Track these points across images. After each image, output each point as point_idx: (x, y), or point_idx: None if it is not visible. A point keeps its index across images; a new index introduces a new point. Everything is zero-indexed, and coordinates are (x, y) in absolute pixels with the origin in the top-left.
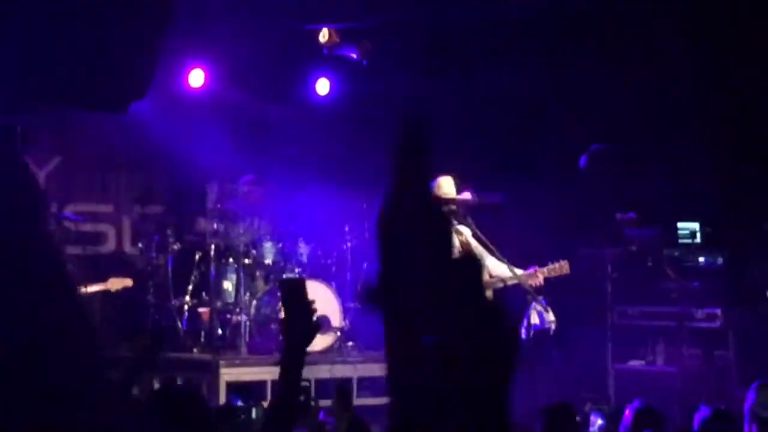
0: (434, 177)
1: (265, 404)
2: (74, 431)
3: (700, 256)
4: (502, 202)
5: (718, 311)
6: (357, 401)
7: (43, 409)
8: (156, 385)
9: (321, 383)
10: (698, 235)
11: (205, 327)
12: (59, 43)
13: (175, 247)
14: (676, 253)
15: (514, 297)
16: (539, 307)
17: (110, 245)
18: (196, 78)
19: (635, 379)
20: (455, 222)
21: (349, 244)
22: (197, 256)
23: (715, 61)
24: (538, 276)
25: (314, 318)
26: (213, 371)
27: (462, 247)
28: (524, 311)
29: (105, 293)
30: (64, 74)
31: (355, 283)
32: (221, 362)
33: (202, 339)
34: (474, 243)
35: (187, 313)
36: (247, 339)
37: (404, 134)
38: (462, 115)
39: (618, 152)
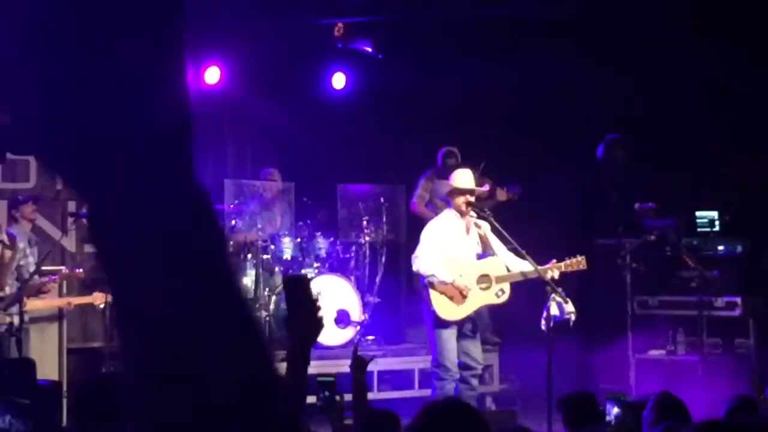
0: (453, 169)
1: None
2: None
3: (719, 244)
4: (521, 194)
5: (738, 299)
6: (378, 395)
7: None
8: None
9: (341, 377)
10: (717, 223)
11: None
12: (82, 53)
13: None
14: (695, 242)
15: (534, 288)
16: (559, 298)
17: None
18: (212, 75)
19: (656, 368)
20: (474, 215)
21: (367, 239)
22: None
23: (735, 49)
24: (554, 270)
25: (318, 314)
26: None
27: (481, 240)
28: (544, 302)
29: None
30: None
31: (374, 277)
32: None
33: None
34: (492, 237)
35: None
36: (267, 334)
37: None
38: (479, 106)
39: (635, 141)
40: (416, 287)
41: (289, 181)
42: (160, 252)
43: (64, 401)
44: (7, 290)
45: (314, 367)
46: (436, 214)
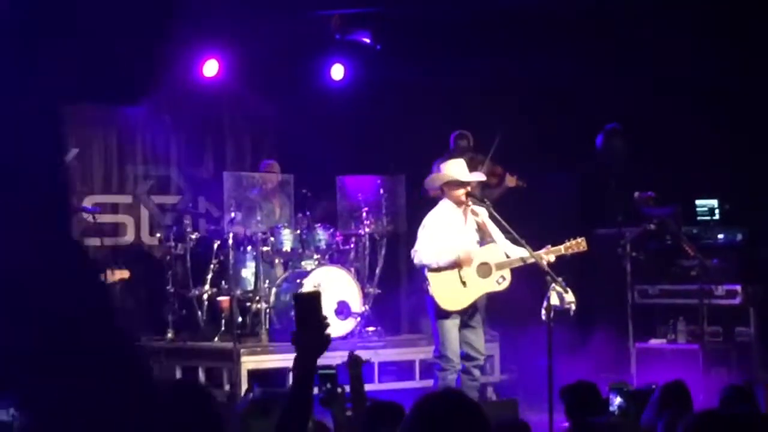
0: (444, 160)
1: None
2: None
3: (719, 233)
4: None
5: (738, 288)
6: (379, 386)
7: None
8: (179, 373)
9: (343, 368)
10: (717, 212)
11: (225, 315)
12: (78, 44)
13: (193, 236)
14: (695, 231)
15: (535, 278)
16: (559, 288)
17: (129, 236)
18: (211, 68)
19: (656, 357)
20: (470, 203)
21: (367, 230)
22: (215, 245)
23: (733, 40)
24: (552, 255)
25: (326, 331)
26: (234, 359)
27: (479, 228)
28: (544, 292)
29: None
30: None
31: (374, 268)
32: (242, 350)
33: (223, 328)
34: (490, 223)
35: (206, 303)
36: (268, 326)
37: None
38: (478, 98)
39: (634, 130)
40: (416, 279)
41: (289, 172)
42: None
43: None
44: None
45: None
46: None
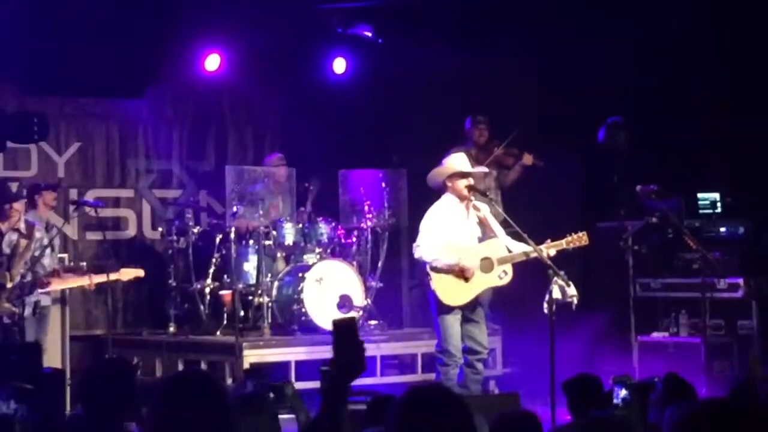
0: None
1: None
2: None
3: (721, 226)
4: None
5: (740, 281)
6: (381, 379)
7: None
8: (181, 367)
9: None
10: (719, 205)
11: (227, 309)
12: (81, 39)
13: (195, 230)
14: (697, 224)
15: (537, 271)
16: (561, 282)
17: (131, 230)
18: (213, 62)
19: (658, 350)
20: (472, 197)
21: (369, 224)
22: (218, 239)
23: (737, 29)
24: (554, 249)
25: (363, 357)
26: (236, 353)
27: (481, 223)
28: (546, 286)
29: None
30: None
31: (376, 262)
32: (244, 344)
33: (225, 321)
34: (491, 218)
35: (209, 296)
36: (270, 320)
37: None
38: (479, 90)
39: (637, 124)
40: (418, 273)
41: (290, 166)
42: None
43: (68, 389)
44: (17, 280)
45: (315, 352)
46: None
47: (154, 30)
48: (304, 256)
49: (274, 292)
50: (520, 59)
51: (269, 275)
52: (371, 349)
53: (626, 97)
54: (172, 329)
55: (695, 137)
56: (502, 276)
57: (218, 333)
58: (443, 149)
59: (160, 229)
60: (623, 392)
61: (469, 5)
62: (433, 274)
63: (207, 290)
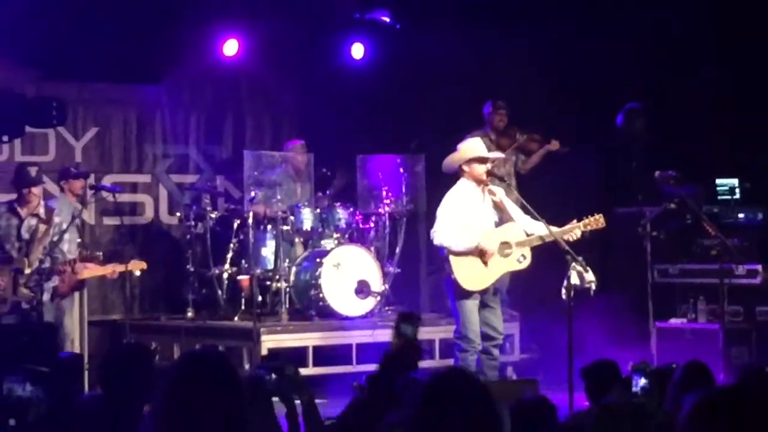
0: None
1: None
2: None
3: (740, 212)
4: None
5: (759, 267)
6: None
7: None
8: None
9: (362, 347)
10: (737, 191)
11: (245, 295)
12: (98, 24)
13: (213, 215)
14: (716, 210)
15: (555, 257)
16: (579, 267)
17: (147, 215)
18: (231, 47)
19: (676, 337)
20: (488, 181)
21: (387, 209)
22: (235, 224)
23: (756, 15)
24: (574, 231)
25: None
26: (254, 338)
27: (497, 207)
28: (564, 272)
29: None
30: (106, 52)
31: (394, 247)
32: (262, 329)
33: (243, 307)
34: (508, 201)
35: (226, 282)
36: (287, 305)
37: None
38: (498, 75)
39: (655, 109)
40: (436, 259)
41: (309, 152)
42: None
43: (86, 373)
44: (35, 265)
45: (333, 338)
46: None
47: (172, 15)
48: (322, 242)
49: (292, 277)
50: (537, 44)
51: (287, 260)
52: (389, 335)
53: (645, 82)
54: (190, 314)
55: (714, 123)
56: (520, 260)
57: (236, 318)
58: (461, 135)
59: (177, 214)
60: (642, 381)
61: None
62: (452, 259)
63: (225, 275)
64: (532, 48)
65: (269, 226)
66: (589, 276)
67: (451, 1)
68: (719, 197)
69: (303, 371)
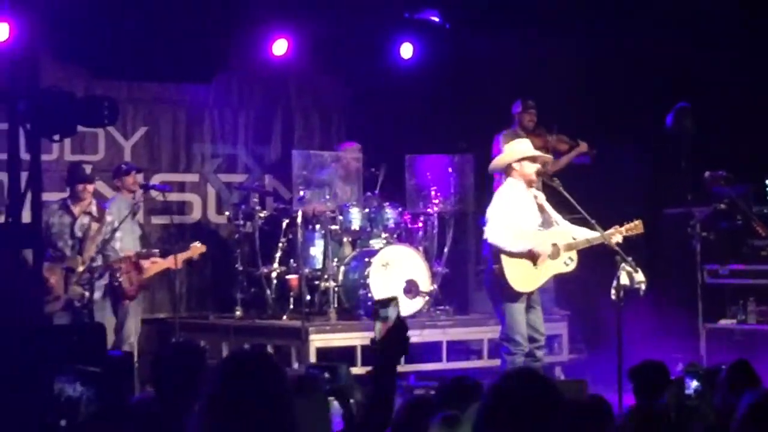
0: (510, 135)
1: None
2: None
3: None
4: (591, 163)
5: None
6: (447, 365)
7: None
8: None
9: (411, 347)
10: None
11: (293, 294)
12: (149, 24)
13: (261, 215)
14: (766, 210)
15: (604, 258)
16: (629, 268)
17: (195, 214)
18: (280, 47)
19: (726, 338)
20: (535, 182)
21: (435, 208)
22: (284, 224)
23: None
24: (617, 235)
25: (406, 335)
26: (302, 338)
27: (539, 209)
28: (614, 272)
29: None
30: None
31: (442, 247)
32: (310, 328)
33: (291, 306)
34: (548, 206)
35: (275, 281)
36: (336, 305)
37: None
38: (548, 75)
39: (705, 109)
40: (483, 259)
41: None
42: None
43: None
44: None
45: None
46: None
47: (222, 15)
48: (371, 241)
49: (341, 276)
50: (587, 43)
51: (335, 260)
52: (437, 335)
53: (695, 82)
54: (238, 313)
55: (766, 122)
56: (567, 263)
57: (284, 317)
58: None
59: (226, 213)
60: (695, 383)
61: None
62: (504, 259)
63: (273, 275)
64: (579, 48)
65: (318, 226)
66: (639, 276)
67: (500, 2)
68: None
69: (351, 370)
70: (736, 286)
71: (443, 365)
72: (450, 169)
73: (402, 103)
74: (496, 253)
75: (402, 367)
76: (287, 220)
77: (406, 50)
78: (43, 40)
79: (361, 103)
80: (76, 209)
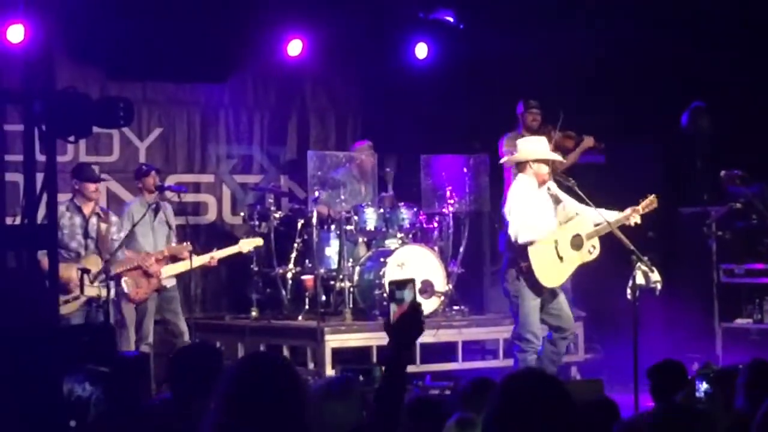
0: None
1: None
2: None
3: None
4: (604, 162)
5: None
6: (462, 365)
7: None
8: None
9: (426, 347)
10: None
11: (309, 294)
12: (164, 25)
13: (277, 215)
14: None
15: (621, 257)
16: (645, 267)
17: (210, 215)
18: (295, 47)
19: (742, 337)
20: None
21: (451, 209)
22: (299, 224)
23: None
24: (633, 215)
25: (421, 318)
26: (318, 338)
27: (553, 200)
28: (630, 271)
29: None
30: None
31: (458, 247)
32: (326, 329)
33: (307, 306)
34: (564, 195)
35: (290, 281)
36: (351, 305)
37: None
38: (561, 75)
39: (720, 108)
40: (499, 258)
41: (373, 152)
42: None
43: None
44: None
45: None
46: None
47: (236, 15)
48: (386, 241)
49: (356, 277)
50: (603, 43)
51: (351, 260)
52: (453, 335)
53: (710, 81)
54: (254, 314)
55: None
56: (591, 251)
57: (300, 318)
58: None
59: (241, 214)
60: (705, 385)
61: None
62: (532, 255)
63: (289, 275)
64: (595, 48)
65: (333, 226)
66: (655, 276)
67: (515, 2)
68: None
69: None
70: (752, 286)
71: (459, 365)
72: (465, 169)
73: (417, 103)
74: (523, 249)
75: (417, 368)
76: (302, 221)
77: (421, 50)
78: (58, 41)
79: (376, 103)
80: (86, 209)
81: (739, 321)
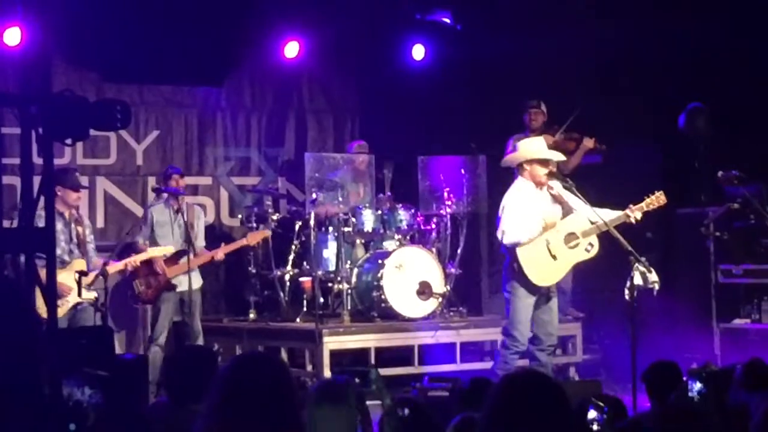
0: (522, 135)
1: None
2: None
3: None
4: (602, 162)
5: None
6: (460, 366)
7: None
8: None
9: (425, 349)
10: None
11: (307, 296)
12: (160, 27)
13: (274, 217)
14: None
15: (618, 257)
16: (642, 268)
17: (209, 218)
18: (292, 49)
19: (740, 337)
20: (548, 182)
21: (448, 210)
22: (297, 226)
23: None
24: (637, 212)
25: None
26: (316, 340)
27: (556, 200)
28: (627, 272)
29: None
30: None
31: (456, 249)
32: (324, 331)
33: (305, 308)
34: (566, 193)
35: (288, 283)
36: (349, 307)
37: None
38: (558, 76)
39: (717, 108)
40: (497, 260)
41: (369, 153)
42: None
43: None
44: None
45: (395, 339)
46: None
47: (233, 18)
48: (384, 243)
49: (354, 278)
50: (598, 44)
51: (349, 262)
52: (451, 336)
53: (707, 82)
54: (252, 316)
55: None
56: (588, 249)
57: (298, 320)
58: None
59: (239, 216)
60: (698, 385)
61: None
62: (521, 256)
63: (287, 277)
64: (593, 49)
65: (330, 228)
66: (652, 276)
67: (512, 3)
68: None
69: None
70: (750, 286)
71: (457, 367)
72: (463, 171)
73: (414, 105)
74: (512, 250)
75: (416, 369)
76: (300, 223)
77: (418, 52)
78: (55, 44)
79: (374, 104)
80: (67, 215)
81: (737, 321)
